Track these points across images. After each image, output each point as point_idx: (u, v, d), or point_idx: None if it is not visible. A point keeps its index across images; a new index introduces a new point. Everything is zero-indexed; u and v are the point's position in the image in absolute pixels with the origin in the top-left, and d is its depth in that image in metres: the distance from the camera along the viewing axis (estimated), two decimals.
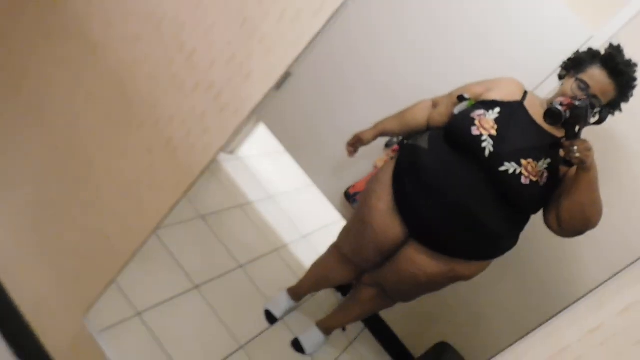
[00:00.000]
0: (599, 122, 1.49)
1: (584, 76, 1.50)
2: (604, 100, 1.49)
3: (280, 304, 2.12)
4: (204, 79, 0.99)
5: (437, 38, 2.16)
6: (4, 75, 1.28)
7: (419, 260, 1.59)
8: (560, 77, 1.64)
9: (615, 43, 1.54)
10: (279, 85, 2.55)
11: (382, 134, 1.91)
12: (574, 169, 1.41)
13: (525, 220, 1.59)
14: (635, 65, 1.51)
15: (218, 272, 2.13)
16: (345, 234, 1.87)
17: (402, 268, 1.64)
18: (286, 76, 2.52)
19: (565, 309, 0.85)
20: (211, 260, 2.17)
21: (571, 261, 1.96)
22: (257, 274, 2.26)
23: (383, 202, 1.62)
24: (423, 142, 1.61)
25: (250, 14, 0.93)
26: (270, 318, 2.10)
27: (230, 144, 2.81)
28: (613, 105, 1.53)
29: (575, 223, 1.44)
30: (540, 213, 1.56)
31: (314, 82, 2.52)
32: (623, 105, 1.55)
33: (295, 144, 2.58)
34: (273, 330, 2.07)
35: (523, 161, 1.45)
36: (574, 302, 0.85)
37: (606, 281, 0.80)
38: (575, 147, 1.31)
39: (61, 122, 1.20)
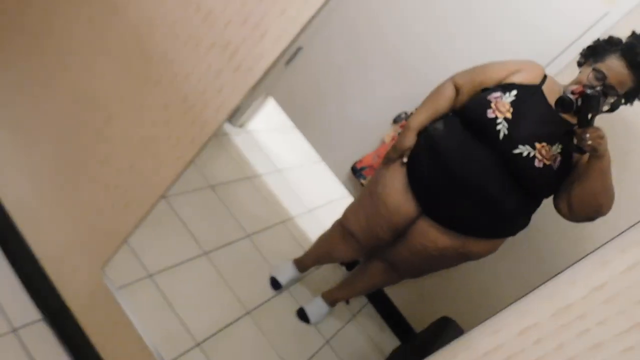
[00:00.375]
0: (611, 110, 1.48)
1: (602, 66, 1.49)
2: (621, 90, 1.48)
3: (285, 272, 2.17)
4: (220, 39, 1.02)
5: (453, 10, 2.15)
6: (29, 35, 1.32)
7: (431, 234, 1.62)
8: (580, 64, 1.63)
9: (633, 26, 1.53)
10: (289, 59, 2.57)
11: (419, 130, 1.73)
12: (587, 156, 1.42)
13: (537, 203, 1.61)
14: None
15: (226, 240, 2.18)
16: (353, 211, 1.87)
17: (414, 241, 1.67)
18: (297, 51, 2.54)
19: (569, 267, 0.88)
20: (219, 228, 2.22)
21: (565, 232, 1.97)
22: (263, 244, 2.31)
23: (397, 180, 1.65)
24: (439, 124, 1.64)
25: None
26: (275, 284, 2.16)
27: (240, 118, 2.84)
28: (630, 96, 1.52)
29: (586, 209, 1.46)
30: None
31: (324, 57, 2.54)
32: None
33: (304, 119, 2.61)
34: (279, 299, 2.13)
35: (537, 145, 1.47)
36: (578, 260, 0.88)
37: (611, 240, 0.83)
38: (588, 135, 1.33)
39: (83, 79, 1.24)
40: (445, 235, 1.61)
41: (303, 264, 2.19)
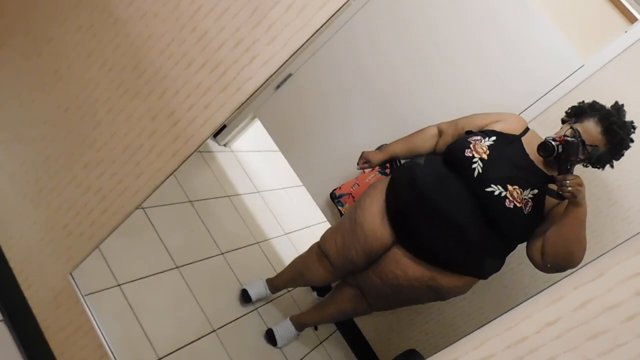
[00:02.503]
0: (589, 160, 1.57)
1: (579, 126, 1.59)
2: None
3: (257, 288, 2.19)
4: (212, 59, 1.07)
5: (435, 56, 2.25)
6: (28, 37, 1.36)
7: (403, 262, 1.68)
8: (563, 122, 1.72)
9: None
10: (279, 84, 2.63)
11: (391, 157, 2.01)
12: (562, 206, 1.51)
13: (510, 247, 1.66)
14: (632, 127, 1.58)
15: (199, 256, 2.19)
16: (331, 233, 1.95)
17: (385, 268, 1.72)
18: (287, 77, 2.60)
19: (523, 301, 0.93)
20: (194, 244, 2.23)
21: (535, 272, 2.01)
22: (236, 263, 2.32)
23: (376, 205, 1.74)
24: (420, 159, 1.76)
25: (261, 4, 1.02)
26: (246, 297, 2.17)
27: (225, 137, 2.87)
28: (601, 160, 1.60)
29: (559, 258, 1.50)
30: None
31: (312, 86, 2.59)
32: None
33: (287, 144, 2.65)
34: (247, 318, 2.13)
35: (509, 186, 1.55)
36: (533, 295, 0.93)
37: (564, 277, 0.88)
38: (568, 181, 1.41)
39: (75, 85, 1.27)
40: (416, 265, 1.66)
41: (275, 285, 2.21)
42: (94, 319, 1.35)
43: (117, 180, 1.24)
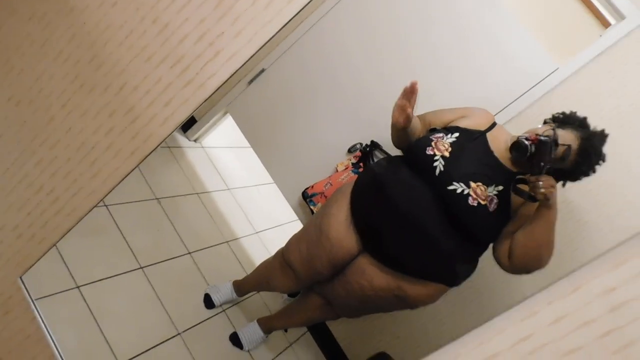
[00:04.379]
0: (562, 160, 1.53)
1: (560, 132, 1.56)
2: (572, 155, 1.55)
3: (221, 292, 2.12)
4: (173, 53, 1.00)
5: (406, 55, 2.23)
6: None
7: (369, 271, 1.62)
8: (545, 122, 1.70)
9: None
10: (252, 79, 2.56)
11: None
12: (530, 207, 1.47)
13: (479, 248, 1.62)
14: (603, 160, 1.55)
15: (165, 255, 2.11)
16: (295, 241, 1.87)
17: (350, 279, 1.66)
18: (260, 72, 2.54)
19: (496, 316, 0.89)
20: (160, 243, 2.14)
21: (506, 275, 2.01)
22: (204, 263, 2.25)
23: (342, 213, 1.66)
24: (383, 160, 1.71)
25: None
26: (208, 303, 2.09)
27: (196, 132, 2.79)
28: (570, 173, 1.57)
29: (528, 260, 1.48)
30: None
31: (286, 82, 2.54)
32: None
33: (259, 140, 2.59)
34: (213, 321, 2.07)
35: (472, 184, 1.50)
36: (506, 311, 0.89)
37: (538, 292, 0.85)
38: (541, 183, 1.37)
39: (27, 77, 1.18)
40: (382, 274, 1.60)
41: (242, 288, 2.14)
42: (46, 327, 1.27)
43: (71, 179, 1.16)
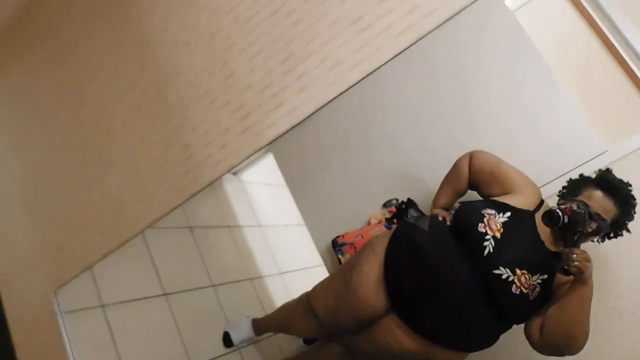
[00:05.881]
0: (597, 234, 1.51)
1: (581, 197, 1.55)
2: (607, 218, 1.53)
3: (240, 330, 2.11)
4: (236, 99, 1.04)
5: (459, 121, 2.24)
6: (59, 47, 1.34)
7: (398, 334, 1.57)
8: (558, 205, 1.65)
9: (628, 168, 1.64)
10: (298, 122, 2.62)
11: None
12: (568, 285, 1.42)
13: (507, 328, 1.57)
14: (629, 184, 1.56)
15: (190, 285, 2.12)
16: (323, 290, 1.80)
17: (378, 337, 1.61)
18: (307, 116, 2.59)
19: None
20: (187, 272, 2.16)
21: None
22: (226, 298, 2.25)
23: (373, 271, 1.60)
24: (424, 223, 1.63)
25: (296, 52, 0.99)
26: (227, 341, 2.08)
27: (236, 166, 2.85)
28: (619, 225, 1.56)
29: (559, 337, 1.41)
30: None
31: (331, 129, 2.56)
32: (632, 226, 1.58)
33: (297, 182, 2.60)
34: (228, 357, 2.05)
35: (518, 270, 1.45)
36: None
37: None
38: (574, 255, 1.32)
39: (95, 101, 1.25)
40: (411, 339, 1.55)
41: (261, 327, 2.12)
42: (68, 342, 1.28)
43: (118, 203, 1.19)
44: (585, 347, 1.42)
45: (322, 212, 2.53)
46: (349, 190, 2.49)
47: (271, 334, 2.23)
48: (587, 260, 1.32)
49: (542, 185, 1.97)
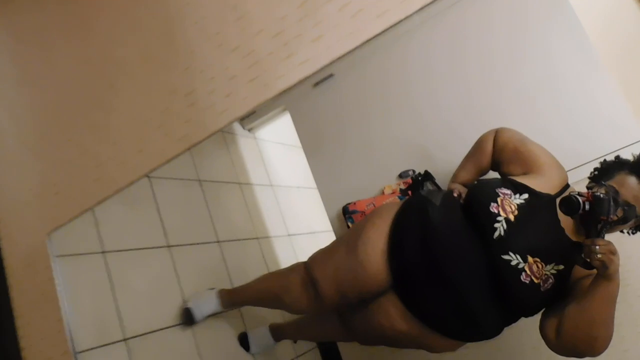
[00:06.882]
0: (624, 221, 1.36)
1: (613, 182, 1.41)
2: (638, 207, 1.37)
3: (204, 304, 1.88)
4: (246, 45, 0.95)
5: (490, 97, 2.14)
6: None
7: (392, 313, 1.46)
8: (589, 189, 1.51)
9: None
10: (318, 82, 2.51)
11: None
12: (589, 280, 1.28)
13: (514, 320, 1.45)
14: None
15: (194, 239, 2.09)
16: (321, 258, 1.63)
17: (372, 316, 1.51)
18: (328, 76, 2.49)
19: None
20: (193, 225, 2.13)
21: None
22: (231, 255, 2.22)
23: (382, 240, 1.47)
24: (435, 198, 1.50)
25: None
26: (188, 318, 1.84)
27: (251, 122, 2.77)
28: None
29: (578, 339, 1.26)
30: None
31: (352, 93, 2.48)
32: None
33: (312, 144, 2.54)
34: (225, 316, 2.02)
35: (530, 258, 1.32)
36: None
37: None
38: (598, 247, 1.16)
39: (101, 41, 1.18)
40: (405, 320, 1.45)
41: (234, 300, 1.91)
42: (62, 286, 1.25)
43: (116, 150, 1.14)
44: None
45: (336, 177, 2.46)
46: (365, 157, 2.41)
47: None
48: (612, 252, 1.16)
49: (570, 170, 1.85)
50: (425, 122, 2.25)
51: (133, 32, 1.13)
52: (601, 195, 1.24)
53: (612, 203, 1.23)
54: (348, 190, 2.38)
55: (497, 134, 1.67)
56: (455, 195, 1.56)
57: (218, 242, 2.19)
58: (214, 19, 1.01)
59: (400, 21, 0.88)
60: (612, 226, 1.36)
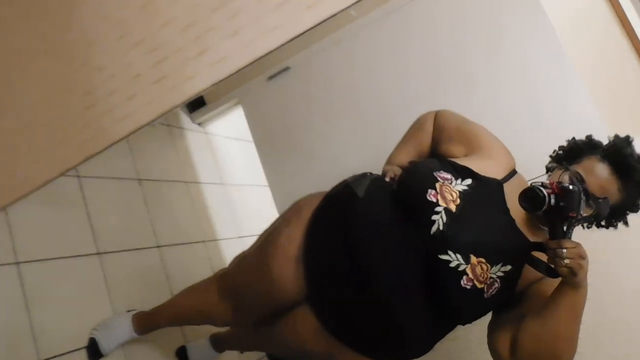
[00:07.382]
0: (596, 219, 1.20)
1: (579, 167, 1.22)
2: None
3: (114, 333, 1.60)
4: (151, 38, 0.79)
5: (455, 93, 2.05)
6: None
7: (302, 331, 1.26)
8: (549, 170, 1.37)
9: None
10: (272, 75, 2.36)
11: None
12: (548, 285, 1.11)
13: (450, 329, 1.27)
14: None
15: (130, 245, 1.90)
16: (235, 268, 1.45)
17: (280, 331, 1.32)
18: (283, 69, 2.34)
19: None
20: (129, 229, 1.94)
21: None
22: (172, 262, 2.04)
23: (294, 244, 1.24)
24: (360, 188, 1.25)
25: None
26: (93, 351, 1.55)
27: (201, 115, 2.59)
28: (617, 213, 1.25)
29: (539, 357, 1.08)
30: None
31: (309, 87, 2.34)
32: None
33: (265, 140, 2.40)
34: (163, 330, 1.85)
35: (473, 258, 1.10)
36: None
37: None
38: (564, 250, 0.99)
39: None
40: (317, 338, 1.24)
41: (150, 323, 1.64)
42: None
43: (8, 156, 0.96)
44: None
45: (289, 175, 2.32)
46: (321, 155, 2.27)
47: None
48: (582, 256, 0.99)
49: (539, 177, 1.74)
50: (389, 120, 2.13)
51: (26, 20, 0.95)
52: (570, 187, 1.03)
53: (582, 196, 1.04)
54: (302, 189, 2.24)
55: (437, 112, 1.50)
56: (387, 179, 1.31)
57: (158, 247, 2.02)
58: (116, 6, 0.84)
59: (334, 15, 0.74)
60: (581, 223, 1.21)
